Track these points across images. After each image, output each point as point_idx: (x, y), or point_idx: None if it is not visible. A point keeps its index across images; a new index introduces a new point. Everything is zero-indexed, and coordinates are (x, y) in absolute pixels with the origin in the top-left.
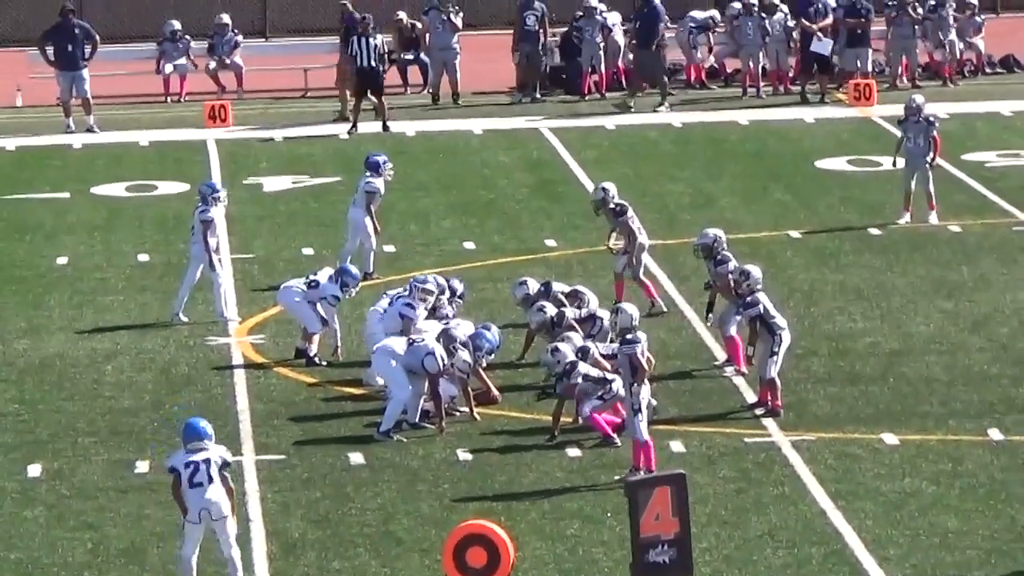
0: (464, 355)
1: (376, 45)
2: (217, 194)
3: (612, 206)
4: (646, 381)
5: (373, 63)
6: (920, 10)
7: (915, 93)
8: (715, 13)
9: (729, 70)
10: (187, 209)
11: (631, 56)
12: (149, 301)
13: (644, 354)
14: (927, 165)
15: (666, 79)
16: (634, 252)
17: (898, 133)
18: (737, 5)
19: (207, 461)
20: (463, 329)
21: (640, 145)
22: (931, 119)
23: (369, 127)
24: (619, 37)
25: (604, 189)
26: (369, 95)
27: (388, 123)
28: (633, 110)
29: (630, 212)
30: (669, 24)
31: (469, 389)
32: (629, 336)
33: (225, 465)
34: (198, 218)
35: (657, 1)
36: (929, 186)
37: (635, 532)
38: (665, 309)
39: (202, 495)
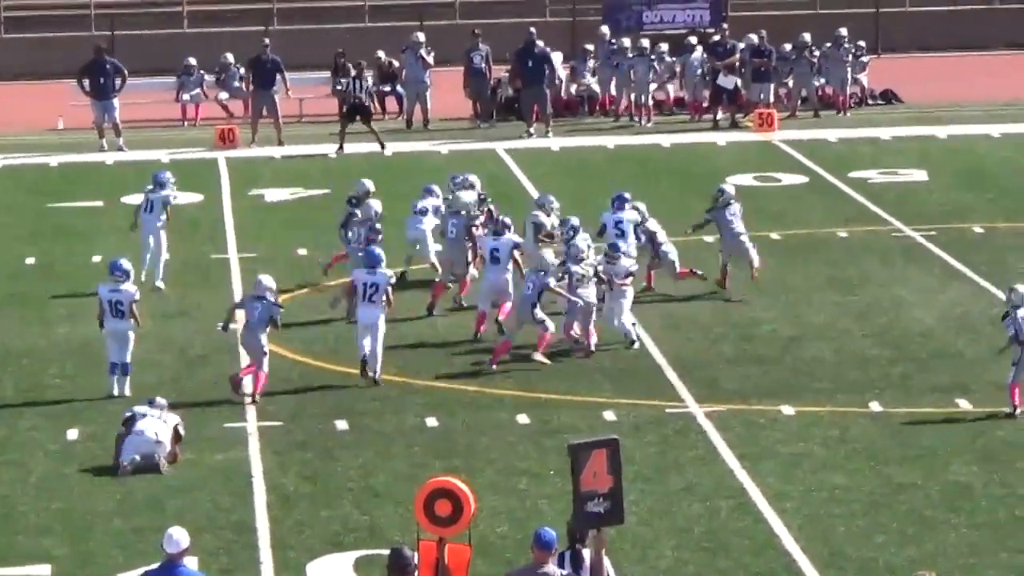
0: None
1: (366, 84)
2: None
3: None
4: None
5: (363, 96)
6: (816, 52)
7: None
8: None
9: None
10: (202, 215)
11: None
12: (169, 293)
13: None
14: None
15: (550, 111)
16: None
17: None
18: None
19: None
20: None
21: (580, 164)
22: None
23: (352, 148)
24: (561, 72)
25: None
26: (359, 122)
27: (385, 144)
28: (535, 136)
29: None
30: (556, 64)
31: None
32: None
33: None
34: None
35: (542, 44)
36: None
37: (576, 487)
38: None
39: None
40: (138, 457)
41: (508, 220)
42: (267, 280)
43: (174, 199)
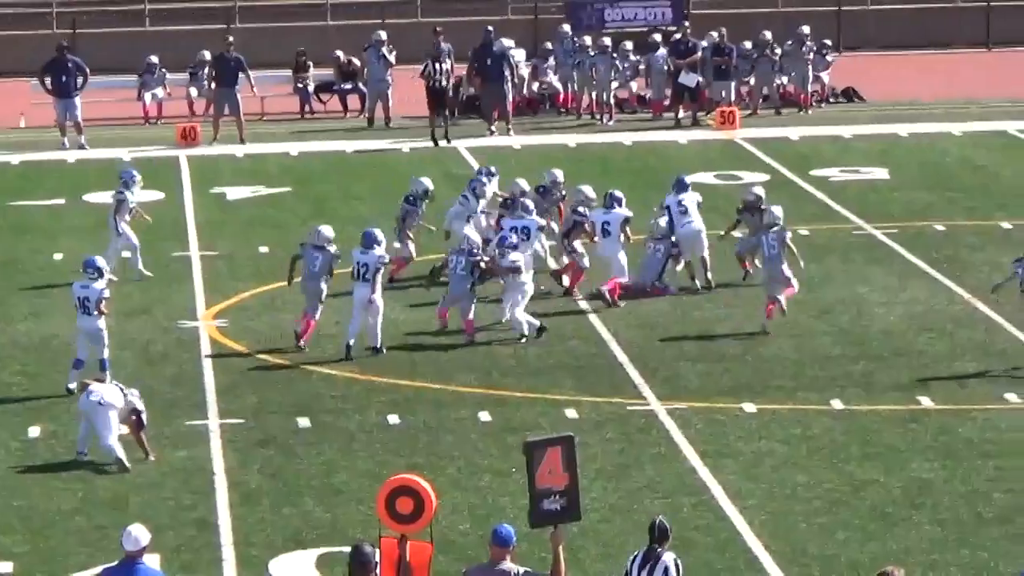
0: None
1: (447, 69)
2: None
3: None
4: None
5: (444, 83)
6: (778, 50)
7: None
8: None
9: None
10: (163, 213)
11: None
12: (131, 291)
13: None
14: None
15: (509, 109)
16: None
17: None
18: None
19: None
20: None
21: (542, 162)
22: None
23: (311, 147)
24: (524, 71)
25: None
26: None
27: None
28: (496, 134)
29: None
30: (517, 61)
31: None
32: None
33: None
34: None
35: (504, 41)
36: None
37: (532, 484)
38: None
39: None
40: (87, 452)
41: (619, 193)
42: (326, 230)
43: (131, 198)
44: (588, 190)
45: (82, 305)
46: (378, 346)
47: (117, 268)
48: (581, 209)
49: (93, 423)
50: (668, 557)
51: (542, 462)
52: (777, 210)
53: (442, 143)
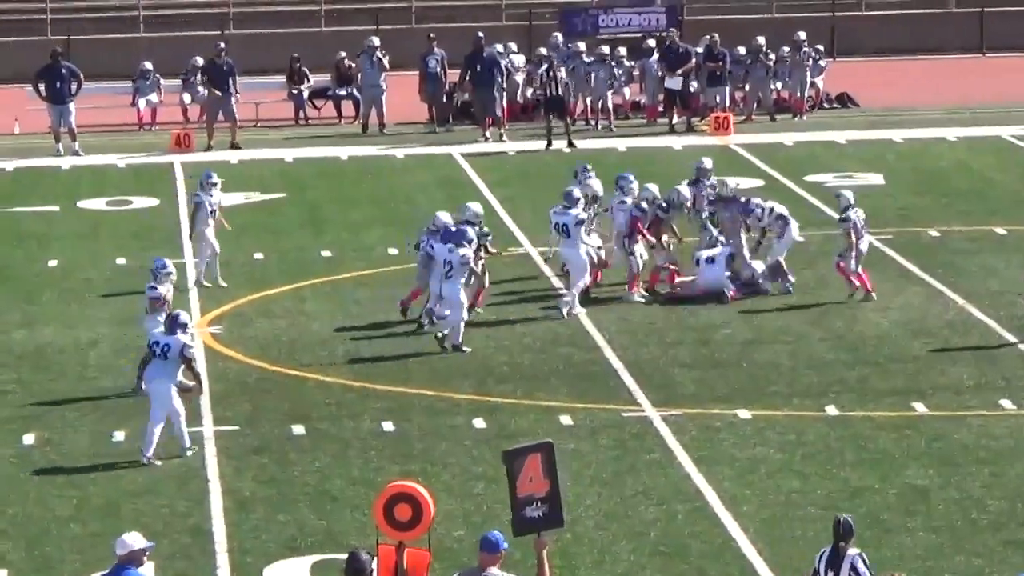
0: None
1: (562, 77)
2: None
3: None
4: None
5: (560, 91)
6: (772, 56)
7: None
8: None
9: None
10: (158, 220)
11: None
12: (126, 298)
13: None
14: None
15: (500, 114)
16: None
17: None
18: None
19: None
20: None
21: (535, 168)
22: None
23: (305, 152)
24: (518, 77)
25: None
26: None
27: (573, 140)
28: (490, 140)
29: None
30: (510, 66)
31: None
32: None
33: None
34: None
35: (495, 47)
36: None
37: (513, 492)
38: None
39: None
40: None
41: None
42: (443, 215)
43: (209, 200)
44: (654, 188)
45: (150, 306)
46: (457, 343)
47: (205, 272)
48: (663, 204)
49: (162, 373)
50: (853, 553)
51: (522, 470)
52: (848, 193)
53: (559, 145)
